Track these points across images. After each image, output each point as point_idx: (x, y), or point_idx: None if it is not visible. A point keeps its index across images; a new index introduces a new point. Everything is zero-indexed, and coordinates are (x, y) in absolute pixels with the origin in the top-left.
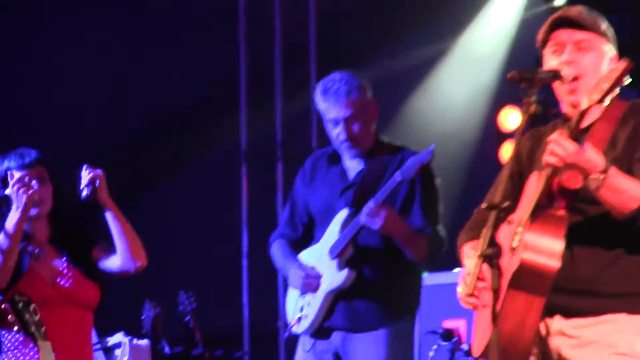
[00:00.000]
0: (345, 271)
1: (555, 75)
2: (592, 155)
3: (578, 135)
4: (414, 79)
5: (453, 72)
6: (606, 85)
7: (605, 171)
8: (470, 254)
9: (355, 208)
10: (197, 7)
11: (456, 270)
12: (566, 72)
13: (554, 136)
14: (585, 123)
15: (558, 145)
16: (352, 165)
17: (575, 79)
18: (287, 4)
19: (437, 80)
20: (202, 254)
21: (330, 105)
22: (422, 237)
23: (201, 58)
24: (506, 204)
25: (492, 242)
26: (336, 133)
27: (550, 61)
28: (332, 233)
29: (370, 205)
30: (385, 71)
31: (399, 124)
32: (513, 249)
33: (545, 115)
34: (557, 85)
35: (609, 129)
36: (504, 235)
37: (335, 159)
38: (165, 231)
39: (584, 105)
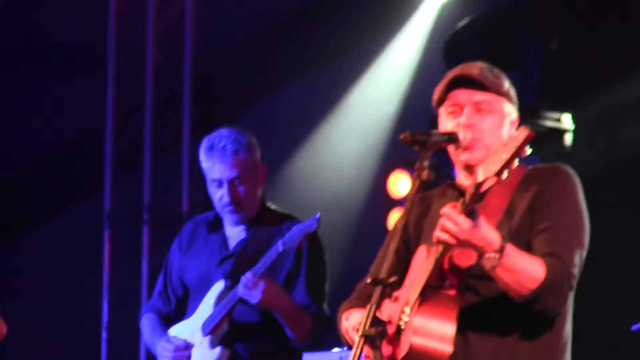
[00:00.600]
0: (218, 349)
1: (451, 138)
2: (488, 233)
3: (471, 210)
4: (299, 136)
5: (342, 130)
6: (505, 156)
7: (501, 250)
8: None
9: (233, 280)
10: (64, 48)
11: (335, 350)
12: (463, 136)
13: (446, 210)
14: (477, 195)
15: (451, 222)
16: (234, 233)
17: (473, 141)
18: (161, 47)
19: (324, 138)
20: (58, 325)
21: (214, 164)
22: (306, 315)
23: (63, 106)
24: (392, 279)
25: (376, 321)
26: (219, 195)
27: (447, 122)
28: (207, 307)
29: (248, 276)
30: (269, 126)
31: (282, 183)
32: (399, 330)
33: (437, 183)
34: (450, 149)
35: (506, 196)
36: (388, 312)
37: (216, 225)
38: (19, 298)
39: (480, 177)
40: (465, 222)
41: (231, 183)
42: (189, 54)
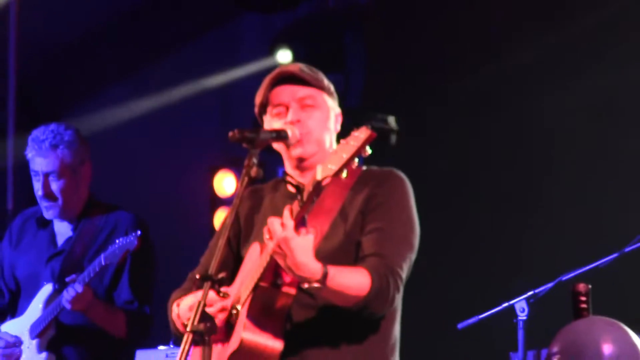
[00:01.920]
0: (44, 355)
1: (280, 135)
2: (311, 265)
3: (305, 213)
4: (126, 136)
5: (168, 129)
6: (345, 156)
7: (323, 279)
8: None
9: (60, 283)
10: None
11: (161, 347)
12: (292, 132)
13: (274, 220)
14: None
15: (277, 234)
16: (62, 230)
17: (302, 137)
18: None
19: (151, 137)
20: None
21: (34, 156)
22: (121, 315)
23: None
24: (221, 275)
25: (205, 317)
26: (36, 188)
27: (273, 123)
28: (35, 309)
29: (70, 292)
30: (95, 126)
31: (107, 182)
32: (230, 326)
33: (264, 180)
34: (279, 147)
35: (339, 197)
36: (218, 308)
37: (44, 220)
38: None
39: (319, 175)
40: (291, 230)
41: (47, 177)
42: (12, 55)
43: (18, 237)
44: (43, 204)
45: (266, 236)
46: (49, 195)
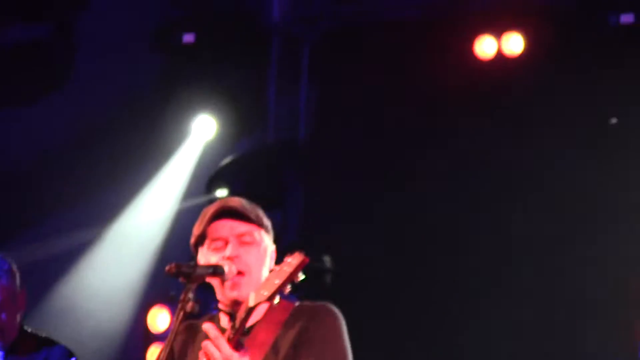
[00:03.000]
0: None
1: (217, 270)
2: None
3: (239, 338)
4: (61, 266)
5: (101, 263)
6: (277, 282)
7: None
8: None
9: None
10: None
11: None
12: (228, 268)
13: (212, 334)
14: (247, 323)
15: (214, 347)
16: None
17: (239, 274)
18: None
19: (85, 270)
20: None
21: None
22: None
23: None
24: None
25: None
26: None
27: (210, 257)
28: None
29: None
30: (33, 254)
31: (41, 313)
32: None
33: (200, 315)
34: (215, 282)
35: (272, 332)
36: None
37: None
38: None
39: (252, 302)
40: (227, 348)
41: None
42: None
43: None
44: None
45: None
46: None
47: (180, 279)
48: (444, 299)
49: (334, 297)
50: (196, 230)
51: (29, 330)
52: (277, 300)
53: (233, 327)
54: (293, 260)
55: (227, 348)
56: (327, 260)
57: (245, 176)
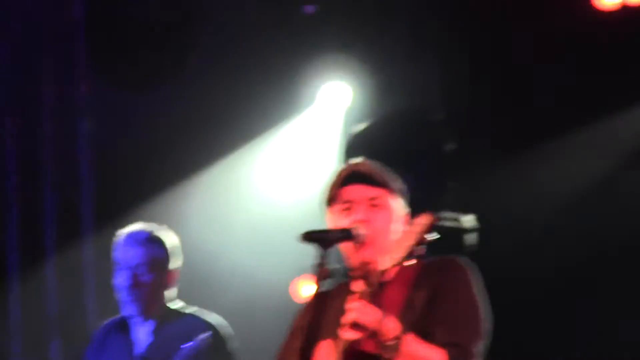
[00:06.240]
0: None
1: (348, 234)
2: (389, 322)
3: (373, 300)
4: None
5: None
6: (408, 244)
7: (399, 337)
8: None
9: None
10: None
11: None
12: (359, 231)
13: (355, 304)
14: (380, 285)
15: (362, 313)
16: (142, 335)
17: (369, 237)
18: None
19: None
20: None
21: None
22: None
23: None
24: None
25: None
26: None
27: (340, 219)
28: None
29: None
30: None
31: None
32: None
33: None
34: (346, 246)
35: (405, 291)
36: None
37: (125, 327)
38: None
39: (383, 264)
40: (375, 312)
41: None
42: None
43: (100, 348)
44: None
45: (344, 326)
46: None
47: (314, 246)
48: None
49: (477, 256)
50: (327, 192)
51: (176, 307)
52: (410, 262)
53: (366, 289)
54: (422, 220)
55: (373, 311)
56: (466, 219)
57: (379, 143)
